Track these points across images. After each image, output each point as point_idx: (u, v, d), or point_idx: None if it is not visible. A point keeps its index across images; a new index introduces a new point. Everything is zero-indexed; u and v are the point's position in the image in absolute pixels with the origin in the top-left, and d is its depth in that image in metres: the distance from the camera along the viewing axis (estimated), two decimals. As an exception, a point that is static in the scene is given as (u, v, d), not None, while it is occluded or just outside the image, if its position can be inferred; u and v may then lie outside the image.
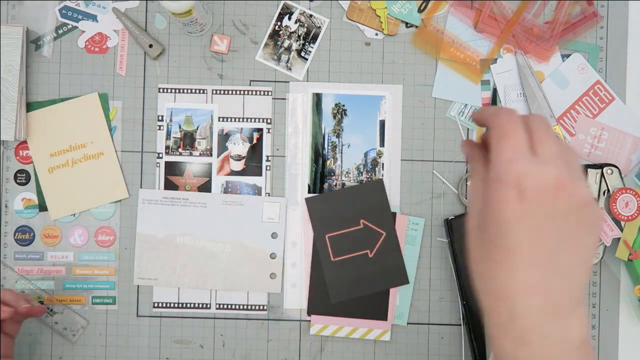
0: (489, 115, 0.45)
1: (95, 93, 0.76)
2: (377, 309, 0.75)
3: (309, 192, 0.76)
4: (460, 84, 0.76)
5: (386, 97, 0.77)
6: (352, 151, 0.77)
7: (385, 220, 0.75)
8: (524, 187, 0.41)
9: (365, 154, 0.77)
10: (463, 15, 0.76)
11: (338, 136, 0.77)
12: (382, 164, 0.76)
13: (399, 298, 0.76)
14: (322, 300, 0.75)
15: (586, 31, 0.76)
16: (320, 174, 0.76)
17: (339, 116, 0.77)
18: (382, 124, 0.76)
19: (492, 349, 0.44)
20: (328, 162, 0.76)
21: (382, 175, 0.76)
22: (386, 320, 0.76)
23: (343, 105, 0.77)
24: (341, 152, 0.76)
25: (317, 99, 0.76)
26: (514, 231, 0.42)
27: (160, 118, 0.76)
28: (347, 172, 0.76)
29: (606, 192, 0.74)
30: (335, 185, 0.76)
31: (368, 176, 0.76)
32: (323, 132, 0.77)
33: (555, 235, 0.42)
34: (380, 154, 0.76)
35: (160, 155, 0.76)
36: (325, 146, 0.77)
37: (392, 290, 0.76)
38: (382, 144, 0.76)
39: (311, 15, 0.77)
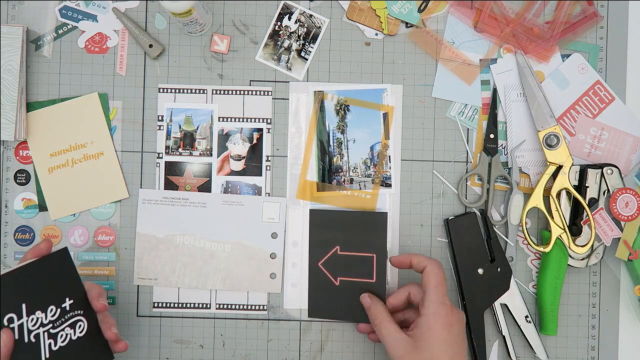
0: (424, 260, 0.68)
1: (95, 93, 0.76)
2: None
3: (318, 190, 0.76)
4: (460, 84, 0.76)
5: (388, 89, 0.77)
6: (358, 146, 0.76)
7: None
8: (451, 322, 0.65)
9: (372, 148, 0.76)
10: (463, 15, 0.76)
11: (343, 132, 0.77)
12: (389, 156, 0.76)
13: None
14: (323, 303, 0.75)
15: (586, 31, 0.76)
16: (327, 171, 0.76)
17: (342, 112, 0.76)
18: (385, 116, 0.76)
19: None
20: (335, 159, 0.76)
21: (390, 169, 0.76)
22: None
23: (345, 101, 0.77)
24: (347, 148, 0.76)
25: (321, 98, 0.76)
26: (442, 352, 0.63)
27: (160, 118, 0.76)
28: (354, 168, 0.76)
29: (606, 192, 0.74)
30: (344, 181, 0.76)
31: (375, 170, 0.76)
32: (327, 129, 0.77)
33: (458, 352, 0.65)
34: (386, 147, 0.76)
35: (160, 155, 0.76)
36: (331, 143, 0.77)
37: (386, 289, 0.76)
38: (387, 136, 0.76)
39: (311, 15, 0.77)
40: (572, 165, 0.74)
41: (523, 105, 0.76)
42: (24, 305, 0.58)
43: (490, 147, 0.76)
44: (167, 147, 0.76)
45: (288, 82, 0.77)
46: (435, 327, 0.64)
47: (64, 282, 0.61)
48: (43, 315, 0.60)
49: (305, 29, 0.77)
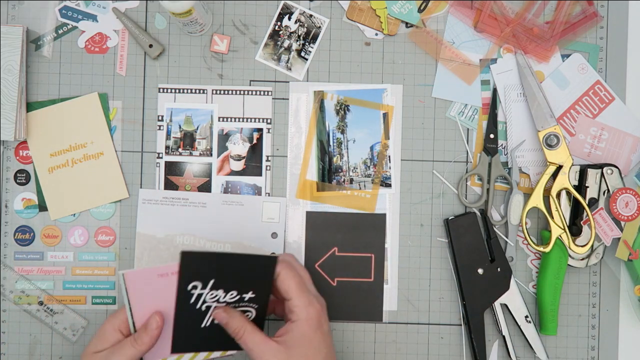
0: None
1: (95, 93, 0.76)
2: (372, 310, 0.75)
3: (318, 190, 0.76)
4: (460, 84, 0.76)
5: (388, 89, 0.77)
6: (358, 146, 0.76)
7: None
8: (321, 321, 0.63)
9: (371, 148, 0.76)
10: (463, 15, 0.76)
11: (343, 132, 0.77)
12: (389, 156, 0.76)
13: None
14: None
15: (586, 31, 0.76)
16: (327, 171, 0.76)
17: (342, 112, 0.76)
18: (385, 116, 0.76)
19: None
20: (335, 159, 0.76)
21: (390, 169, 0.76)
22: (381, 321, 0.76)
23: (345, 101, 0.77)
24: (347, 148, 0.76)
25: (320, 98, 0.76)
26: (317, 354, 0.63)
27: (160, 118, 0.76)
28: (354, 168, 0.76)
29: (606, 192, 0.74)
30: (344, 181, 0.76)
31: (375, 170, 0.76)
32: (327, 129, 0.77)
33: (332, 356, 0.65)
34: (386, 147, 0.76)
35: (160, 155, 0.76)
36: (331, 143, 0.77)
37: (386, 289, 0.76)
38: (387, 136, 0.76)
39: (311, 15, 0.77)
40: (572, 165, 0.74)
41: (523, 105, 0.76)
42: (212, 281, 0.61)
43: (490, 147, 0.76)
44: (167, 147, 0.76)
45: (288, 82, 0.77)
46: (308, 332, 0.62)
47: (258, 280, 0.63)
48: (223, 294, 0.62)
49: (305, 29, 0.77)
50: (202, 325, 0.63)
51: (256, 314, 0.66)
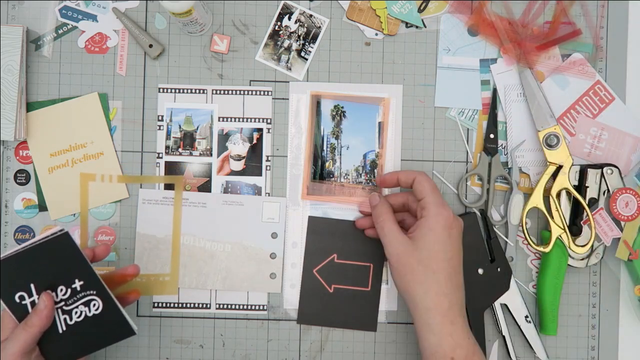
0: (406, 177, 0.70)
1: (95, 93, 0.76)
2: (367, 319, 0.75)
3: (308, 193, 0.76)
4: (461, 89, 0.76)
5: (382, 107, 0.77)
6: (351, 153, 0.76)
7: None
8: (451, 225, 0.66)
9: (364, 156, 0.76)
10: (463, 16, 0.76)
11: (337, 138, 0.77)
12: (381, 166, 0.76)
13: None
14: (314, 310, 0.75)
15: (567, 44, 0.77)
16: (319, 176, 0.76)
17: (338, 118, 0.76)
18: (381, 125, 0.76)
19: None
20: (327, 164, 0.76)
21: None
22: (375, 331, 0.76)
23: (342, 107, 0.76)
24: (340, 154, 0.76)
25: (317, 101, 0.76)
26: (440, 252, 0.65)
27: (160, 118, 0.76)
28: (345, 174, 0.76)
29: (606, 192, 0.74)
30: (335, 186, 0.76)
31: (367, 178, 0.76)
32: (322, 133, 0.76)
33: (458, 262, 0.67)
34: (378, 156, 0.76)
35: (160, 155, 0.76)
36: (324, 148, 0.76)
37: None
38: (380, 145, 0.76)
39: (311, 15, 0.77)
40: (572, 165, 0.74)
41: (523, 105, 0.76)
42: (32, 285, 0.61)
43: (490, 147, 0.76)
44: (167, 147, 0.76)
45: (288, 82, 0.77)
46: (435, 228, 0.65)
47: (70, 264, 0.62)
48: (54, 294, 0.62)
49: (305, 29, 0.77)
50: (60, 331, 0.62)
51: (103, 300, 0.63)
